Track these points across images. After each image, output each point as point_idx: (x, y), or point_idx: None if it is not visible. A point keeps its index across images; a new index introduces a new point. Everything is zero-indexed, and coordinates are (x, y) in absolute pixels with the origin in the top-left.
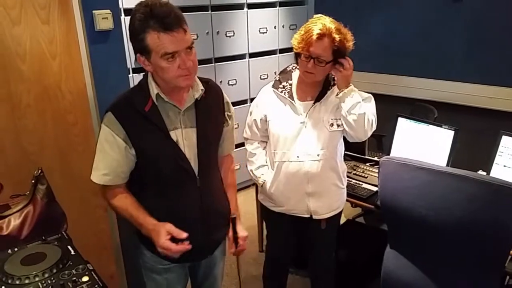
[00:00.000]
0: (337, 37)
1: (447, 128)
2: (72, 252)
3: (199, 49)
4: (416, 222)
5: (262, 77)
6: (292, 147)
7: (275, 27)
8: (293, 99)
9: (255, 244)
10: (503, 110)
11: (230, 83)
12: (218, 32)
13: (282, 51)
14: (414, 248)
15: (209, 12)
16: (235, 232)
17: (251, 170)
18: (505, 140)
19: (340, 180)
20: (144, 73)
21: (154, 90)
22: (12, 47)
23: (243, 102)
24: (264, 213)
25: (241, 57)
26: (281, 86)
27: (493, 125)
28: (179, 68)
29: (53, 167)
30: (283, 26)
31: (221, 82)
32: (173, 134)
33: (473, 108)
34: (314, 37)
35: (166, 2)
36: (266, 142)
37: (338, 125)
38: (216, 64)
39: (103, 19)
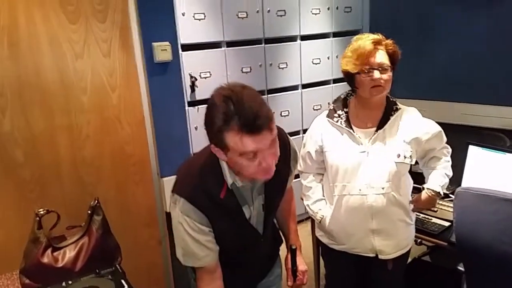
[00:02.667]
0: (388, 41)
1: None
2: (126, 287)
3: (252, 81)
4: (499, 261)
5: (315, 108)
6: (353, 179)
7: (328, 58)
8: (351, 128)
9: (311, 283)
10: None
11: (283, 114)
12: (271, 64)
13: (335, 81)
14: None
15: (263, 45)
16: (294, 264)
17: (308, 205)
18: None
19: (408, 216)
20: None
21: (229, 179)
22: (75, 80)
23: (296, 133)
24: (322, 251)
25: (294, 88)
26: (336, 115)
27: None
28: (259, 166)
29: (109, 198)
30: (336, 57)
31: (273, 113)
32: (246, 212)
33: None
34: (370, 47)
35: (253, 94)
36: (322, 175)
37: (405, 157)
38: (268, 95)
39: (162, 51)
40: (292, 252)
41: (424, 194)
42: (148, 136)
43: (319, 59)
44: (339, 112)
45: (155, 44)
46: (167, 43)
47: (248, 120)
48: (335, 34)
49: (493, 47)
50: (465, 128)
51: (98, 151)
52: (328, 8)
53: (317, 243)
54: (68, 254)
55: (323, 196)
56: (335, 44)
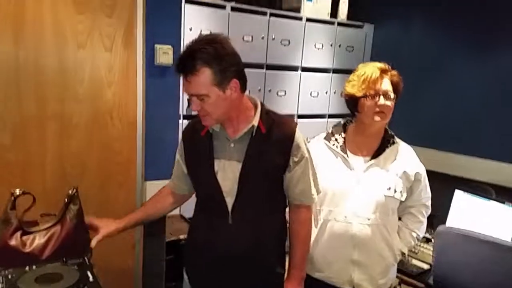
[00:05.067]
0: (393, 72)
1: (511, 206)
2: (91, 279)
3: None
4: None
5: (308, 140)
6: (340, 205)
7: (326, 92)
8: (345, 153)
9: None
10: None
11: None
12: (270, 90)
13: (331, 116)
14: None
15: (264, 70)
16: None
17: None
18: None
19: (392, 254)
20: None
21: None
22: (73, 69)
23: None
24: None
25: (289, 117)
26: (333, 138)
27: None
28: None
29: (90, 194)
30: (334, 92)
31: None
32: (217, 164)
33: None
34: (377, 74)
35: (188, 47)
36: None
37: (395, 191)
38: None
39: (163, 54)
40: (278, 278)
41: None
42: (138, 137)
43: (318, 92)
44: (337, 136)
45: (157, 46)
46: (170, 46)
47: (178, 61)
48: (335, 71)
49: (486, 99)
50: (452, 177)
51: (86, 143)
52: (331, 45)
53: None
54: (37, 240)
55: None
56: (334, 80)
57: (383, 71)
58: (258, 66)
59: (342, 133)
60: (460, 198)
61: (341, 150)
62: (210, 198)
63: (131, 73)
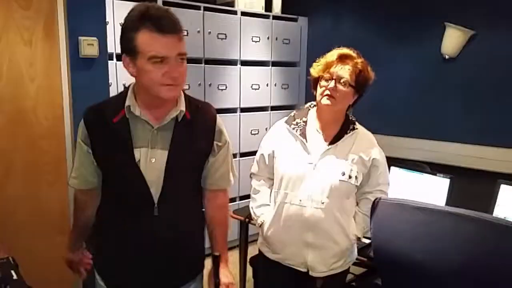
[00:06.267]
0: (359, 60)
1: (442, 177)
2: (14, 277)
3: None
4: (413, 269)
5: (252, 132)
6: (295, 189)
7: (267, 85)
8: (305, 138)
9: None
10: (499, 172)
11: None
12: (210, 85)
13: (273, 108)
14: None
15: (203, 65)
16: (217, 275)
17: (251, 207)
18: (504, 190)
19: (346, 238)
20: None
21: (127, 102)
22: None
23: (233, 156)
24: (259, 260)
25: (232, 110)
26: (294, 122)
27: (488, 185)
28: (164, 76)
29: (18, 196)
30: (275, 85)
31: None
32: (137, 153)
33: (468, 169)
34: (335, 57)
35: (165, 8)
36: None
37: (350, 177)
38: None
39: (88, 45)
40: (214, 259)
41: None
42: (67, 134)
43: (258, 85)
44: (298, 120)
45: (81, 38)
46: (95, 38)
47: (158, 19)
48: (274, 63)
49: (419, 81)
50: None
51: (10, 144)
52: (268, 38)
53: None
54: None
55: (269, 202)
56: (273, 73)
57: (343, 57)
58: (197, 61)
59: (304, 118)
60: (395, 173)
61: (300, 135)
62: (130, 190)
63: (54, 66)
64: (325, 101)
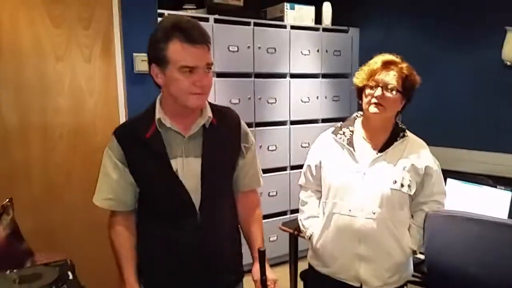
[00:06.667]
0: (404, 65)
1: (503, 189)
2: (70, 277)
3: (241, 113)
4: (465, 284)
5: (303, 145)
6: (345, 198)
7: (317, 97)
8: (352, 146)
9: None
10: None
11: (270, 148)
12: (260, 98)
13: (324, 120)
14: None
15: (252, 79)
16: (263, 270)
17: (300, 220)
18: None
19: (401, 251)
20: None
21: (157, 115)
22: (54, 81)
23: (283, 169)
24: (310, 274)
25: (282, 123)
26: (341, 132)
27: None
28: (193, 85)
29: (76, 206)
30: (325, 97)
31: (260, 147)
32: (174, 163)
33: None
34: (379, 64)
35: (195, 20)
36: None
37: (402, 185)
38: (256, 128)
39: (142, 61)
40: (261, 255)
41: None
42: None
43: (308, 97)
44: (345, 129)
45: (135, 54)
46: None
47: (189, 30)
48: (324, 76)
49: (478, 91)
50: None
51: (69, 154)
52: (318, 50)
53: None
54: None
55: (318, 214)
56: (324, 85)
57: (387, 63)
58: (246, 75)
59: (350, 127)
60: (452, 186)
61: (347, 144)
62: (172, 201)
63: (111, 81)
64: (372, 109)
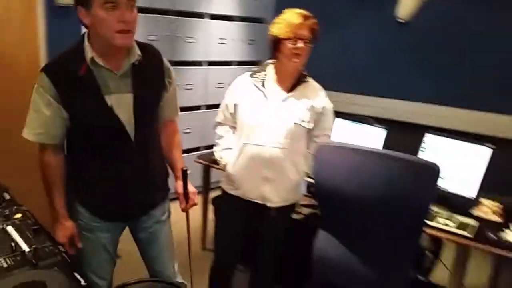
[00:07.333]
0: (315, 20)
1: (380, 127)
2: (7, 197)
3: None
4: (346, 201)
5: (218, 86)
6: (256, 132)
7: (233, 39)
8: (265, 87)
9: (198, 243)
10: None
11: (187, 87)
12: (178, 37)
13: (240, 63)
14: (343, 226)
15: (171, 16)
16: (185, 186)
17: (215, 151)
18: (429, 138)
19: (298, 174)
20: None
21: (89, 54)
22: None
23: (198, 107)
24: (221, 200)
25: (199, 63)
26: (256, 75)
27: (419, 135)
28: (119, 22)
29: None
30: (241, 40)
31: (178, 85)
32: (108, 99)
33: (402, 122)
34: (299, 20)
35: None
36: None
37: (303, 121)
38: (174, 67)
39: None
40: (184, 173)
41: None
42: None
43: (225, 39)
44: (259, 74)
45: None
46: None
47: None
48: (243, 19)
49: (376, 43)
50: (340, 113)
51: None
52: None
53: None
54: None
55: (232, 146)
56: (241, 28)
57: (305, 18)
58: (165, 12)
59: (264, 72)
60: (341, 124)
61: (261, 86)
62: (108, 133)
63: (31, 13)
64: (295, 59)
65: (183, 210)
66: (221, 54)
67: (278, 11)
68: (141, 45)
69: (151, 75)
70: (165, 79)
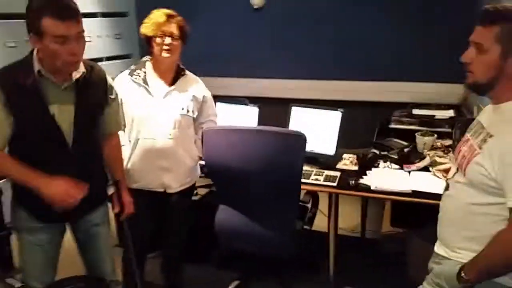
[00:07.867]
0: (180, 18)
1: (253, 106)
2: None
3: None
4: (231, 173)
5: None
6: (146, 126)
7: (98, 36)
8: (147, 84)
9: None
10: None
11: None
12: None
13: (108, 58)
14: (236, 197)
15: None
16: (119, 196)
17: None
18: (294, 111)
19: (191, 159)
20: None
21: (36, 67)
22: None
23: None
24: None
25: None
26: (135, 73)
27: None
28: (69, 55)
29: None
30: (107, 36)
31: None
32: (51, 108)
33: (273, 98)
34: (163, 18)
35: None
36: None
37: (188, 111)
38: None
39: None
40: (116, 184)
41: None
42: None
43: (90, 36)
44: (138, 71)
45: None
46: None
47: (59, 9)
48: (106, 14)
49: (235, 28)
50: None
51: None
52: None
53: None
54: None
55: (125, 143)
56: (105, 24)
57: (169, 16)
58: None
59: (143, 68)
60: (221, 107)
61: (143, 82)
62: (49, 140)
63: None
64: (165, 54)
65: (115, 213)
66: (88, 52)
67: (141, 4)
68: (88, 64)
69: (93, 91)
70: (107, 95)
